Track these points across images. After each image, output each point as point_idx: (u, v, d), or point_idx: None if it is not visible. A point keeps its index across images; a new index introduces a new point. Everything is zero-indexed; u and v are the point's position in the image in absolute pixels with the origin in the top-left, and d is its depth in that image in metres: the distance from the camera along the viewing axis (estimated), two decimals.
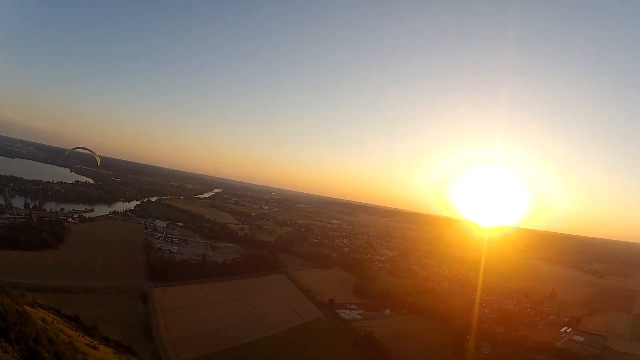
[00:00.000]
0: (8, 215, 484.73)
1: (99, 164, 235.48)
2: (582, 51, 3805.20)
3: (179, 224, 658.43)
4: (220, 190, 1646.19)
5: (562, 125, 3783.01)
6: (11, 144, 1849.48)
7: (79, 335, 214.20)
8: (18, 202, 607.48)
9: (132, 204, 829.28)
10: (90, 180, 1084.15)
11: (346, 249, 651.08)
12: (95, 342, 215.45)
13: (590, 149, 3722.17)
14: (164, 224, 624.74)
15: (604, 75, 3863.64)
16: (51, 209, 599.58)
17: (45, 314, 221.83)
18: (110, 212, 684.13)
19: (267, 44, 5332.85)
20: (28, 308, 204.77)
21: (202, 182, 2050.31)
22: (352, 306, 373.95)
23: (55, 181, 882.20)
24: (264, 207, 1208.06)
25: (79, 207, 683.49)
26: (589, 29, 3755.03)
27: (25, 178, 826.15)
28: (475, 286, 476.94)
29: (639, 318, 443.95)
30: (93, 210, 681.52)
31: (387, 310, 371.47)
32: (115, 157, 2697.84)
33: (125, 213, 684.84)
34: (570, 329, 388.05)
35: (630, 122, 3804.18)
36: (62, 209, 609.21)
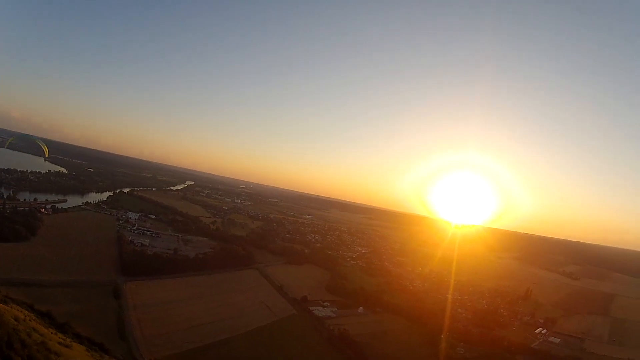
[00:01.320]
0: None
1: (46, 155, 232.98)
2: (550, 52, 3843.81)
3: (151, 216, 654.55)
4: (192, 182, 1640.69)
5: (536, 129, 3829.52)
6: None
7: (52, 332, 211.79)
8: None
9: (105, 195, 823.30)
10: (64, 170, 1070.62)
11: (318, 245, 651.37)
12: (68, 340, 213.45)
13: (564, 153, 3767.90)
14: (136, 216, 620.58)
15: (575, 74, 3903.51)
16: (25, 199, 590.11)
17: (18, 311, 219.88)
18: (83, 202, 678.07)
19: (248, 37, 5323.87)
20: (1, 305, 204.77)
21: (174, 174, 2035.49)
22: (326, 303, 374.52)
23: (29, 170, 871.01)
24: (235, 200, 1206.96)
25: (53, 198, 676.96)
26: (555, 30, 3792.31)
27: (0, 167, 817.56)
28: (448, 285, 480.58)
29: (617, 321, 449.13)
30: (66, 201, 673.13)
31: (361, 308, 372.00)
32: (89, 147, 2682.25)
33: (98, 204, 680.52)
34: (545, 330, 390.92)
35: (604, 122, 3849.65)
36: (35, 199, 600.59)
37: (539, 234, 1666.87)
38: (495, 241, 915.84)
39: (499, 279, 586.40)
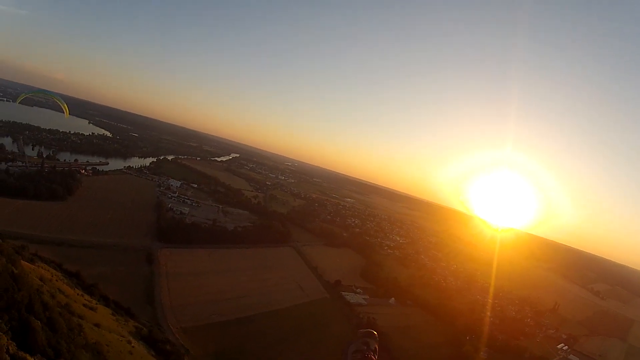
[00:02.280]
0: (20, 164, 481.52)
1: (66, 115, 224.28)
2: (608, 52, 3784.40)
3: (193, 185, 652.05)
4: (237, 155, 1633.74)
5: (589, 142, 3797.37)
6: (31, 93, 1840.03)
7: (78, 294, 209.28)
8: (32, 151, 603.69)
9: (148, 161, 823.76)
10: (108, 134, 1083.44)
11: (357, 230, 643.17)
12: (94, 302, 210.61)
13: (616, 169, 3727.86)
14: (178, 184, 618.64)
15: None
16: (65, 160, 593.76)
17: (45, 270, 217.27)
18: (124, 167, 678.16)
19: (300, 15, 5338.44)
20: (26, 264, 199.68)
21: (220, 145, 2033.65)
22: (358, 290, 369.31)
23: (71, 132, 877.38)
24: (279, 177, 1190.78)
25: (94, 160, 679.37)
26: (617, 30, 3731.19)
27: (42, 127, 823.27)
28: (481, 286, 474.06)
29: (633, 348, 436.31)
30: (108, 164, 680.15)
31: (392, 299, 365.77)
32: (135, 113, 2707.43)
33: (140, 169, 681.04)
34: (567, 347, 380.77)
35: None
36: (75, 160, 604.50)
37: (575, 247, 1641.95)
38: (532, 248, 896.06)
39: (530, 288, 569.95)
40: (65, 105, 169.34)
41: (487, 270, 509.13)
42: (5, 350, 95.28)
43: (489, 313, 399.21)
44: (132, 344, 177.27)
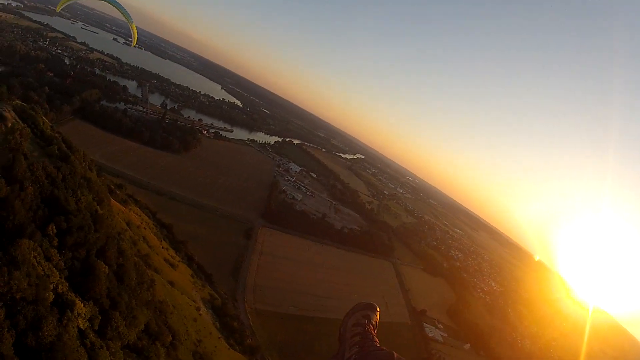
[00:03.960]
0: (140, 109, 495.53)
1: (134, 43, 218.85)
2: None
3: (312, 174, 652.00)
4: (363, 157, 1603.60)
5: None
6: (166, 46, 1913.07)
7: (163, 247, 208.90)
8: (156, 100, 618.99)
9: (273, 139, 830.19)
10: (238, 103, 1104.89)
11: (457, 264, 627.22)
12: (177, 260, 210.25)
13: None
14: (298, 169, 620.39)
15: None
16: (189, 117, 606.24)
17: (136, 215, 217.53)
18: (248, 139, 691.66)
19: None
20: (117, 205, 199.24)
21: (347, 142, 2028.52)
22: (440, 325, 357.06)
23: (202, 92, 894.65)
24: (398, 189, 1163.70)
25: (219, 124, 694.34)
26: None
27: (171, 80, 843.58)
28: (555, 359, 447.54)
29: None
30: (232, 132, 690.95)
31: (468, 344, 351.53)
32: (270, 90, 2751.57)
33: (264, 145, 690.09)
34: None
35: None
36: (199, 120, 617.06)
37: None
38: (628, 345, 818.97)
39: None
40: (136, 31, 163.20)
41: (565, 344, 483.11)
42: (51, 288, 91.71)
43: None
44: (200, 311, 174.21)
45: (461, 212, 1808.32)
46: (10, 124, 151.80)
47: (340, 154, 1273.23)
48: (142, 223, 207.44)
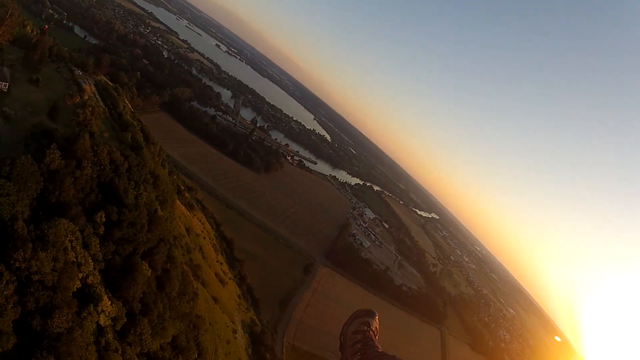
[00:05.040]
0: (230, 119, 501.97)
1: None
2: None
3: (385, 224, 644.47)
4: (437, 217, 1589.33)
5: None
6: (267, 65, 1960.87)
7: (218, 261, 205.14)
8: (248, 115, 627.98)
9: (354, 181, 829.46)
10: (328, 137, 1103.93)
11: (502, 345, 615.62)
12: (229, 276, 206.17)
13: None
14: (372, 216, 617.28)
15: None
16: (276, 139, 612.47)
17: (199, 222, 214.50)
18: (330, 175, 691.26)
19: None
20: (183, 209, 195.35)
21: (425, 199, 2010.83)
22: None
23: (294, 118, 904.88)
24: (464, 257, 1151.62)
25: (305, 153, 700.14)
26: None
27: (266, 99, 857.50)
28: None
29: None
30: (316, 164, 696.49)
31: None
32: (361, 131, 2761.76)
33: (343, 185, 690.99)
34: None
35: None
36: (286, 145, 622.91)
37: None
38: None
39: None
40: None
41: None
42: (80, 277, 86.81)
43: None
44: (236, 335, 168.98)
45: (518, 292, 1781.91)
46: (86, 97, 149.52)
47: (417, 210, 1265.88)
48: (202, 232, 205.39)
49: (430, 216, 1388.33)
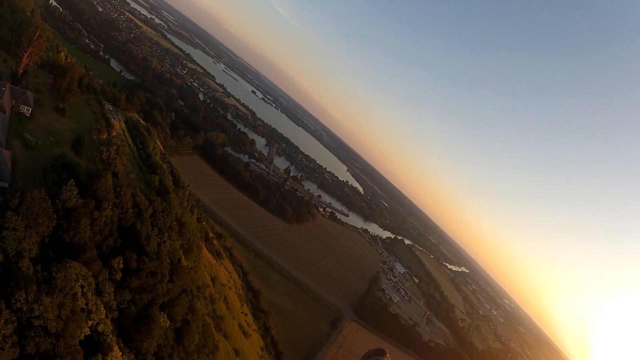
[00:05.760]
0: (263, 167, 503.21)
1: None
2: None
3: (415, 278, 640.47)
4: (467, 271, 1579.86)
5: None
6: (302, 115, 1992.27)
7: (243, 312, 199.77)
8: (281, 163, 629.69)
9: (385, 234, 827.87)
10: (360, 189, 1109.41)
11: None
12: (252, 328, 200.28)
13: None
14: (402, 270, 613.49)
15: None
16: (309, 189, 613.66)
17: (225, 271, 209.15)
18: (362, 228, 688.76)
19: None
20: (209, 257, 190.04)
21: (456, 253, 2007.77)
22: None
23: (327, 169, 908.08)
24: (492, 310, 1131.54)
25: (337, 205, 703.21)
26: None
27: (300, 149, 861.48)
28: None
29: None
30: (348, 216, 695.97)
31: None
32: (394, 184, 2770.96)
33: (375, 238, 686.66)
34: None
35: None
36: (319, 196, 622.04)
37: None
38: None
39: None
40: None
41: None
42: (91, 324, 79.17)
43: None
44: None
45: (545, 345, 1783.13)
46: (114, 134, 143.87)
47: (447, 264, 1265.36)
48: (229, 281, 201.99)
49: (460, 270, 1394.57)
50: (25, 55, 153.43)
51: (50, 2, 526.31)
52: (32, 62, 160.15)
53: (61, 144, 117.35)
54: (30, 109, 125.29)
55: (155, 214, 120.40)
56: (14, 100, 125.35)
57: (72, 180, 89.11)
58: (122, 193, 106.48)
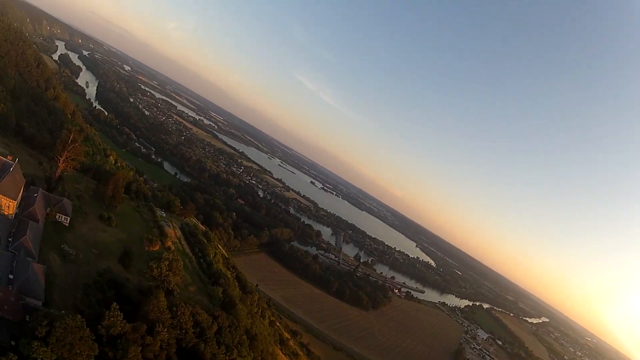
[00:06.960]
0: (332, 257, 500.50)
1: None
2: None
3: (498, 341, 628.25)
4: (547, 320, 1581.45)
5: None
6: (364, 198, 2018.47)
7: None
8: (350, 251, 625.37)
9: (463, 303, 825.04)
10: (432, 262, 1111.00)
11: None
12: None
13: None
14: (485, 336, 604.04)
15: None
16: (382, 272, 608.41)
17: None
18: (439, 301, 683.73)
19: None
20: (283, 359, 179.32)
21: (534, 305, 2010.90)
22: None
23: (397, 248, 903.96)
24: (577, 352, 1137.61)
25: (411, 284, 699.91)
26: None
27: (367, 233, 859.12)
28: None
29: None
30: (424, 292, 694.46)
31: None
32: (464, 250, 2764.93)
33: (453, 309, 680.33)
34: None
35: None
36: (392, 278, 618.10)
37: None
38: None
39: None
40: None
41: None
42: None
43: None
44: None
45: None
46: (168, 244, 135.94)
47: (527, 318, 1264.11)
48: None
49: (540, 321, 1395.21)
50: (61, 159, 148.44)
51: (94, 106, 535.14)
52: (70, 167, 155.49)
53: (107, 256, 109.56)
54: (69, 217, 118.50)
55: (221, 331, 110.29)
56: (48, 209, 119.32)
57: (116, 304, 76.95)
58: (179, 313, 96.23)
